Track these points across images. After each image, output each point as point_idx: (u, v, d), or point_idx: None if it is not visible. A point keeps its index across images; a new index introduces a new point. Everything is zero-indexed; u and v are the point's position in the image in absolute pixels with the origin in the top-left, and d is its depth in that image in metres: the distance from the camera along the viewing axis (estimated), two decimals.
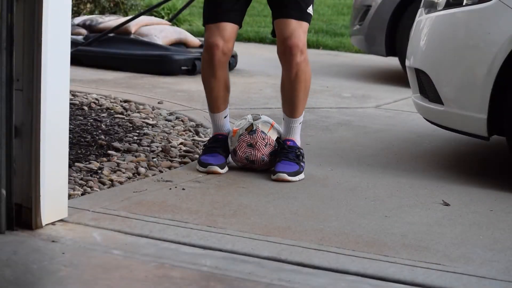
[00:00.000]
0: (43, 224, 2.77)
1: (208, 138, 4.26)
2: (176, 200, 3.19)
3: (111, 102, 5.02)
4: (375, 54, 6.88)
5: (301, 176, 3.62)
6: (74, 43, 6.28)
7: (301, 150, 3.70)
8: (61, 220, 2.86)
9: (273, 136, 3.70)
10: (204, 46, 3.68)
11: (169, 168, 3.70)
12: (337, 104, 5.58)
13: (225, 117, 3.79)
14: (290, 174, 3.57)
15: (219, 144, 3.73)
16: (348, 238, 2.88)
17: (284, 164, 3.61)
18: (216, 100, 3.75)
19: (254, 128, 3.67)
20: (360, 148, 4.28)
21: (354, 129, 4.74)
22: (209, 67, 3.67)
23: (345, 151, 4.19)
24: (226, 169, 3.67)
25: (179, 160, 3.83)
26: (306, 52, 3.66)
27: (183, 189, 3.35)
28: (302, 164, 3.65)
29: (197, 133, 4.36)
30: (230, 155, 3.73)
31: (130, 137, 4.17)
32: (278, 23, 3.64)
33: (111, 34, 6.66)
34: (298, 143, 3.74)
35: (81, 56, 6.53)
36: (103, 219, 2.91)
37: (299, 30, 3.61)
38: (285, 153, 3.66)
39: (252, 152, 3.64)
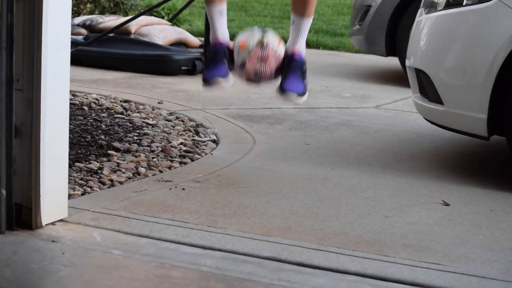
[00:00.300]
0: (43, 224, 2.77)
1: (209, 138, 4.26)
2: (176, 200, 3.19)
3: (111, 102, 5.02)
4: (375, 54, 6.88)
5: (306, 96, 3.60)
6: (74, 43, 6.28)
7: (306, 66, 3.65)
8: (61, 220, 2.86)
9: (282, 52, 3.63)
10: None
11: (169, 168, 3.70)
12: (337, 104, 5.58)
13: (220, 14, 3.65)
14: (299, 94, 3.55)
15: (219, 54, 3.62)
16: (348, 238, 2.88)
17: (293, 82, 3.56)
18: None
19: (266, 44, 3.57)
20: (360, 148, 4.28)
21: (354, 129, 4.74)
22: None
23: (345, 151, 4.19)
24: (231, 80, 3.60)
25: (179, 160, 3.83)
26: None
27: (183, 189, 3.35)
28: (306, 82, 3.61)
29: (197, 133, 4.36)
30: (234, 68, 3.64)
31: (130, 137, 4.17)
32: None
33: (111, 34, 6.66)
34: (304, 53, 3.66)
35: (81, 56, 6.54)
36: (103, 219, 2.91)
37: None
38: (294, 67, 3.60)
39: (263, 67, 3.57)
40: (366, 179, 3.66)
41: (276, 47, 3.60)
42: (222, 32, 3.66)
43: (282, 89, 3.54)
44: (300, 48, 3.64)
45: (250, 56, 3.56)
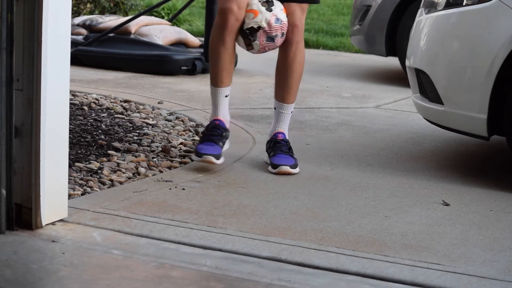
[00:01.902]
0: (43, 224, 2.77)
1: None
2: (176, 200, 3.19)
3: (111, 102, 5.02)
4: (375, 54, 6.89)
5: (298, 168, 3.69)
6: (74, 43, 6.29)
7: (289, 143, 3.81)
8: (61, 220, 2.86)
9: (286, 19, 3.71)
10: (218, 11, 3.68)
11: (169, 168, 3.70)
12: (337, 104, 5.58)
13: (226, 96, 3.76)
14: (291, 167, 3.65)
15: (216, 132, 3.72)
16: (348, 238, 2.87)
17: (282, 158, 3.69)
18: (221, 70, 3.71)
19: (278, 19, 3.64)
20: (360, 148, 4.28)
21: (354, 129, 4.74)
22: (220, 32, 3.66)
23: (345, 151, 4.19)
24: (222, 159, 3.68)
25: (179, 160, 3.83)
26: (303, 34, 3.76)
27: (183, 189, 3.35)
28: (295, 157, 3.74)
29: (197, 133, 4.36)
30: (242, 34, 3.68)
31: (130, 137, 4.17)
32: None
33: (111, 34, 6.66)
34: (287, 135, 3.84)
35: (81, 56, 6.54)
36: (103, 219, 2.91)
37: (298, 10, 3.70)
38: (279, 146, 3.75)
39: (274, 40, 3.67)
40: (366, 179, 3.66)
41: (285, 19, 3.68)
42: (223, 113, 3.78)
43: (274, 165, 3.68)
44: (283, 130, 3.84)
45: (264, 31, 3.64)
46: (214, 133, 3.72)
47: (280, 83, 3.79)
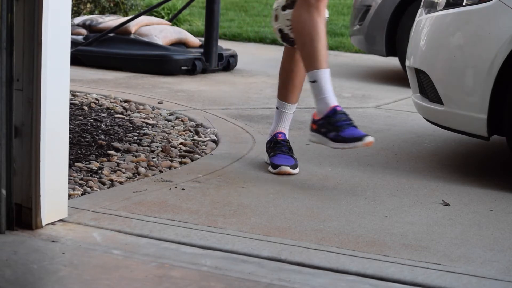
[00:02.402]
0: (43, 224, 2.77)
1: (209, 138, 4.26)
2: (176, 200, 3.19)
3: (111, 102, 5.02)
4: (375, 54, 6.89)
5: (298, 169, 3.70)
6: (74, 43, 6.29)
7: (290, 144, 3.82)
8: (61, 220, 2.86)
9: None
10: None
11: (169, 168, 3.70)
12: None
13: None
14: (291, 167, 3.66)
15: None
16: (348, 238, 2.87)
17: (282, 158, 3.70)
18: (323, 48, 3.39)
19: None
20: (360, 148, 4.27)
21: None
22: (313, 3, 3.40)
23: (345, 151, 4.19)
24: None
25: (179, 160, 3.83)
26: None
27: (183, 189, 3.35)
28: (295, 157, 3.74)
29: (197, 133, 4.36)
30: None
31: (130, 137, 4.17)
32: None
33: (111, 34, 6.67)
34: (287, 135, 3.85)
35: (81, 56, 6.54)
36: (103, 219, 2.91)
37: None
38: (280, 147, 3.76)
39: None
40: (366, 179, 3.66)
41: None
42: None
43: (274, 165, 3.69)
44: (284, 130, 3.84)
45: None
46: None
47: (284, 82, 3.79)
